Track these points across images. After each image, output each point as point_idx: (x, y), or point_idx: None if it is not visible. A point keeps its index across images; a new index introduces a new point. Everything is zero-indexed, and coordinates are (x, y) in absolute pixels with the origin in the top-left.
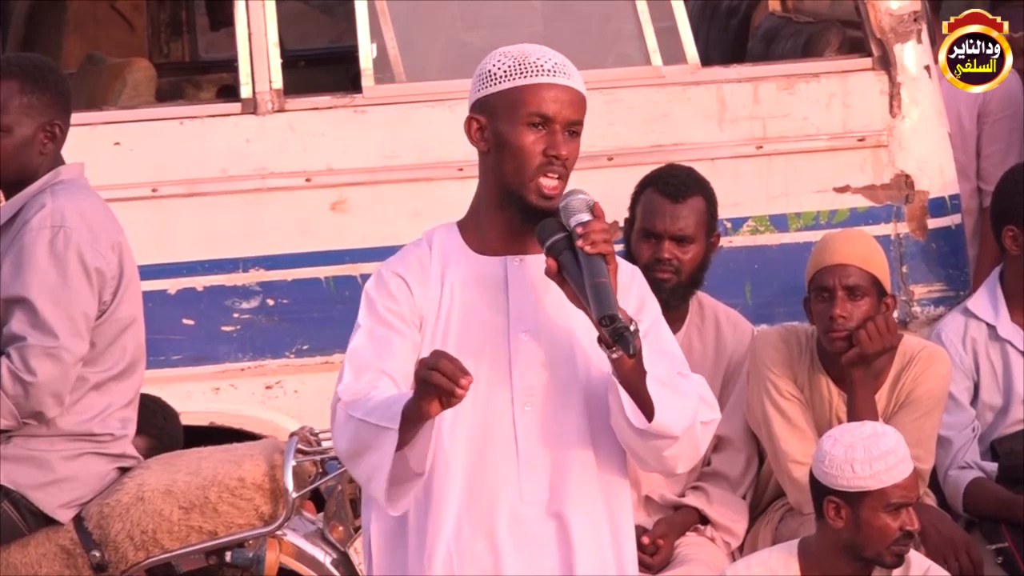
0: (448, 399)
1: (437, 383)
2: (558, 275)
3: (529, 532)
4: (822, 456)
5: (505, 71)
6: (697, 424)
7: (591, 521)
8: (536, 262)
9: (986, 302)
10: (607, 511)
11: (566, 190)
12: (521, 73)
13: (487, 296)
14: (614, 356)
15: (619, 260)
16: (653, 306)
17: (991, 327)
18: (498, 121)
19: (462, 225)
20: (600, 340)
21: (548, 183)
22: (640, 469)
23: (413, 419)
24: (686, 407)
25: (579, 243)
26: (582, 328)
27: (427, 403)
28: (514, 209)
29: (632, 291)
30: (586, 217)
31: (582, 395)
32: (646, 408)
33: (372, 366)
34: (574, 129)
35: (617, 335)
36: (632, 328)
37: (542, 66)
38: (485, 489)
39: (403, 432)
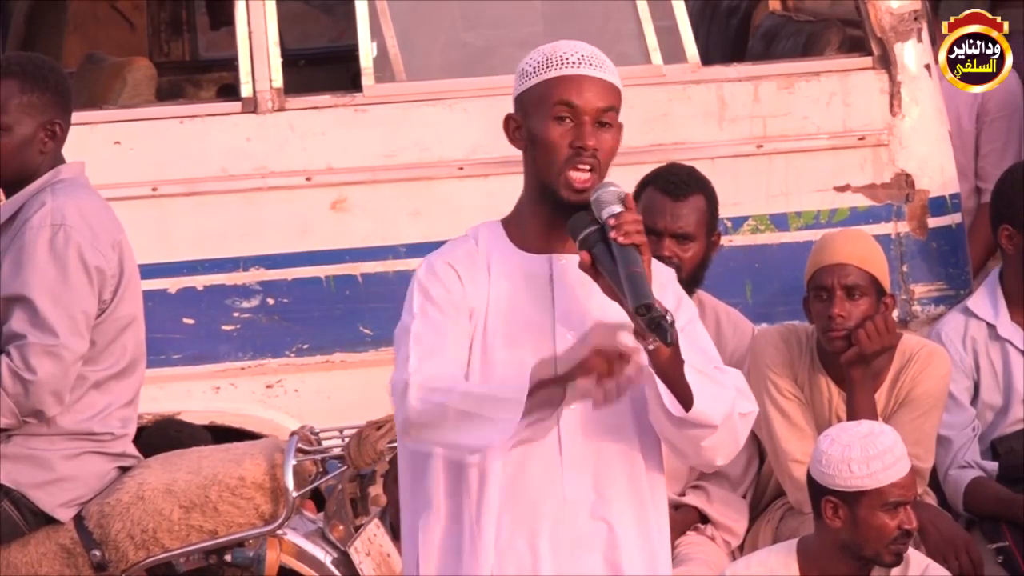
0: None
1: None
2: (592, 268)
3: (572, 532)
4: (819, 456)
5: (535, 67)
6: (736, 415)
7: (636, 521)
8: (572, 263)
9: (986, 301)
10: (650, 510)
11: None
12: (548, 68)
13: (532, 294)
14: (650, 347)
15: (655, 261)
16: (689, 306)
17: (991, 326)
18: (529, 117)
19: (506, 222)
20: (636, 332)
21: (578, 176)
22: (680, 464)
23: (547, 391)
24: (724, 396)
25: (612, 234)
26: (626, 327)
27: (582, 374)
28: (549, 204)
29: (669, 290)
30: (618, 208)
31: (626, 394)
32: (684, 399)
33: (439, 352)
34: (605, 120)
35: (654, 324)
36: (669, 318)
37: (567, 59)
38: (528, 488)
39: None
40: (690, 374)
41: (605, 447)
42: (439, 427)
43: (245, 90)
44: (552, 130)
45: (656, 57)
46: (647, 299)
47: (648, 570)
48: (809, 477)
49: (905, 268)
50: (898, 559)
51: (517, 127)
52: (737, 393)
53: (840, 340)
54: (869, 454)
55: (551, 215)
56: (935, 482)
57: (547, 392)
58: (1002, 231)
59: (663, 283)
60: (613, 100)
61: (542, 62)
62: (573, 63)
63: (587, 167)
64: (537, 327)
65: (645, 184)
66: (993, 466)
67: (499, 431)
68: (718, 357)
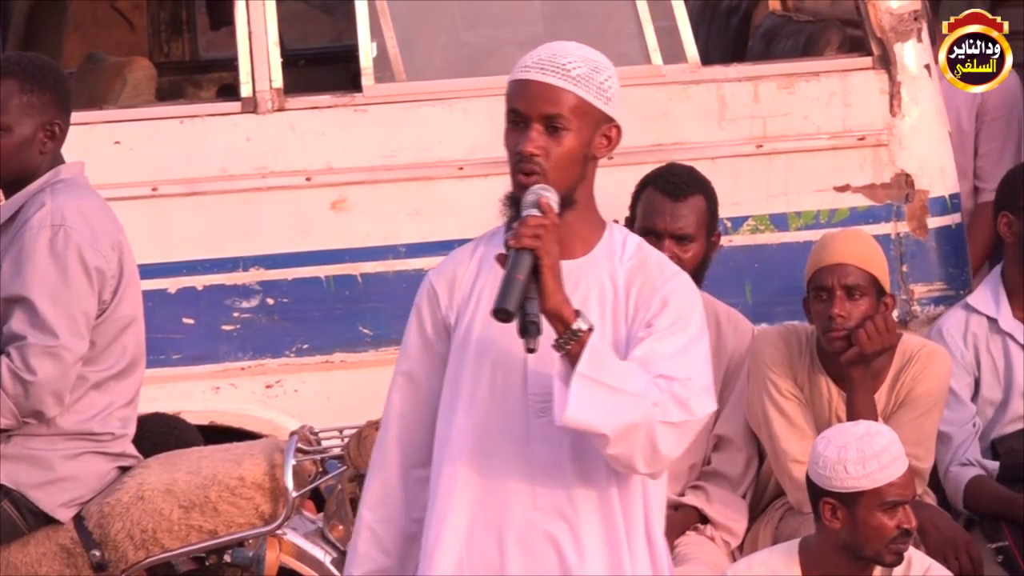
0: None
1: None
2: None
3: (540, 538)
4: (816, 458)
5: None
6: (655, 424)
7: (605, 526)
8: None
9: (987, 296)
10: (620, 515)
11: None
12: (512, 73)
13: None
14: (528, 349)
15: (660, 257)
16: (679, 311)
17: (992, 320)
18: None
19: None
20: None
21: (523, 181)
22: (680, 464)
23: None
24: (624, 406)
25: (506, 236)
26: (605, 336)
27: None
28: (515, 209)
29: (660, 293)
30: (530, 212)
31: None
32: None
33: (394, 451)
34: (554, 124)
35: (521, 329)
36: (539, 324)
37: (524, 63)
38: (497, 496)
39: None
40: (579, 383)
41: (575, 454)
42: None
43: (245, 90)
44: (506, 135)
45: (656, 57)
46: (502, 304)
47: (613, 570)
48: (808, 479)
49: (905, 268)
50: (899, 558)
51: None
52: (672, 402)
53: (840, 340)
54: (865, 455)
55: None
56: (935, 482)
57: None
58: (1001, 219)
59: (653, 286)
60: (562, 106)
61: (515, 67)
62: (526, 68)
63: (528, 172)
64: (510, 337)
65: (645, 184)
66: (994, 465)
67: None
68: (691, 365)
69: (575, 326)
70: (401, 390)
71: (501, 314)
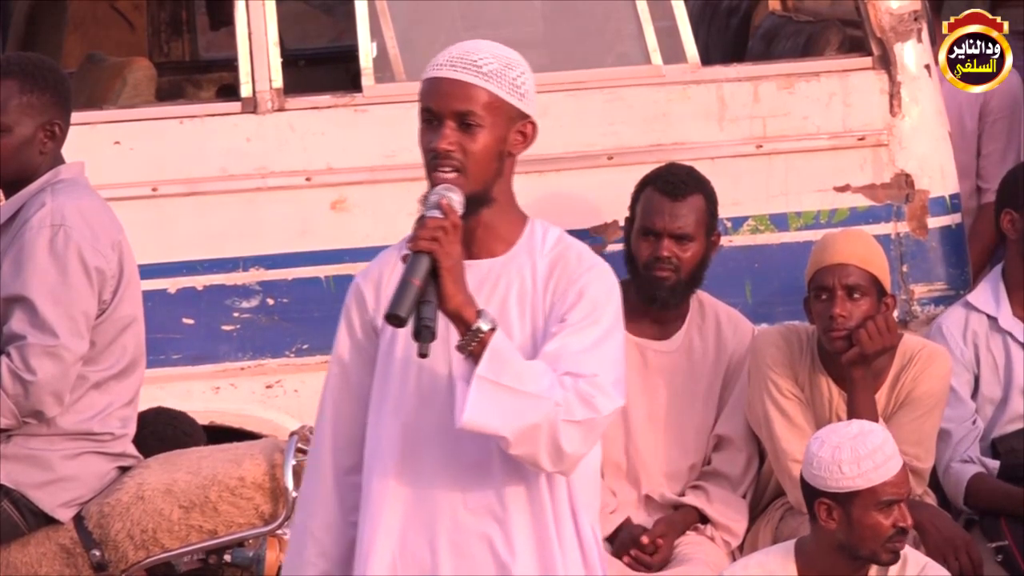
0: None
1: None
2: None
3: (471, 538)
4: (810, 458)
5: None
6: (557, 424)
7: (535, 523)
8: (481, 266)
9: (988, 295)
10: (551, 511)
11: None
12: (425, 72)
13: None
14: (420, 354)
15: (581, 249)
16: (594, 303)
17: (992, 319)
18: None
19: None
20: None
21: (441, 179)
22: (680, 464)
23: None
24: (524, 408)
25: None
26: (524, 332)
27: None
28: None
29: (576, 285)
30: (430, 214)
31: None
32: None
33: (317, 476)
34: (467, 121)
35: (414, 333)
36: (476, 326)
37: (436, 62)
38: (428, 496)
39: None
40: (478, 386)
41: (501, 452)
42: None
43: (245, 90)
44: (421, 134)
45: (656, 57)
46: (394, 310)
47: (543, 570)
48: (802, 479)
49: (905, 268)
50: (895, 557)
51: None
52: (576, 400)
53: (841, 340)
54: (859, 454)
55: None
56: (935, 482)
57: None
58: (1004, 216)
59: (569, 277)
60: (475, 103)
61: (428, 66)
62: (438, 66)
63: (447, 169)
64: (438, 338)
65: (644, 184)
66: (994, 464)
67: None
68: (602, 359)
69: (476, 326)
70: (334, 390)
71: (393, 319)
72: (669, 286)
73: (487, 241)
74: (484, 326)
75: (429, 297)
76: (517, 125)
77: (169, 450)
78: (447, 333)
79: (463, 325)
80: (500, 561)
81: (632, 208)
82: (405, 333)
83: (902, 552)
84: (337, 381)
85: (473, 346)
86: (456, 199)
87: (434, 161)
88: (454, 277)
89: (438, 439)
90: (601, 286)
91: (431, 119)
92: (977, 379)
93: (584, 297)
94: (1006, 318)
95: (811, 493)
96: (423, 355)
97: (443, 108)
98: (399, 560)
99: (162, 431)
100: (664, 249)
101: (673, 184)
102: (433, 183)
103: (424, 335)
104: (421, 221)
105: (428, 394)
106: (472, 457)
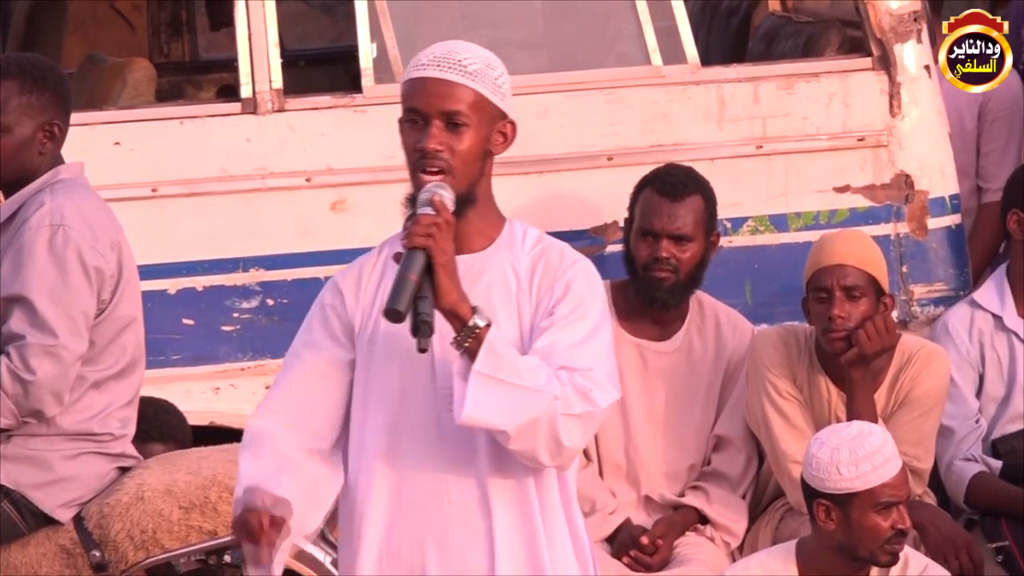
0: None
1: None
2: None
3: (458, 534)
4: (809, 459)
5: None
6: (556, 418)
7: (519, 520)
8: (462, 261)
9: (993, 293)
10: (537, 508)
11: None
12: (407, 72)
13: None
14: (420, 349)
15: (562, 246)
16: (580, 297)
17: (997, 318)
18: (400, 124)
19: None
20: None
21: (426, 179)
22: (680, 464)
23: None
24: (524, 402)
25: (401, 237)
26: (510, 327)
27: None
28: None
29: (563, 279)
30: (422, 210)
31: None
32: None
33: (276, 406)
34: (455, 121)
35: (413, 329)
36: (472, 322)
37: (419, 61)
38: (413, 493)
39: None
40: (476, 381)
41: (488, 448)
42: None
43: (245, 91)
44: (404, 134)
45: (656, 58)
46: (393, 305)
47: (529, 569)
48: (802, 480)
49: (905, 269)
50: (894, 559)
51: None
52: (574, 394)
53: (840, 341)
54: (858, 456)
55: None
56: (935, 482)
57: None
58: (1011, 216)
59: (554, 272)
60: (461, 103)
61: (408, 66)
62: (422, 66)
63: (434, 169)
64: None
65: (643, 185)
66: (996, 463)
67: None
68: (593, 353)
69: (472, 322)
70: (296, 374)
71: (392, 314)
72: (668, 287)
73: (468, 238)
74: (480, 322)
75: (425, 293)
76: (498, 125)
77: (147, 431)
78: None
79: (458, 321)
80: (485, 559)
81: (631, 209)
82: (383, 332)
83: (903, 553)
84: (301, 367)
85: (469, 342)
86: (448, 196)
87: (421, 161)
88: (448, 273)
89: (422, 434)
90: (586, 281)
91: (416, 119)
92: (982, 377)
93: (571, 291)
94: (1011, 317)
95: (810, 494)
96: (423, 350)
97: (430, 108)
98: (386, 558)
99: (145, 421)
100: (663, 250)
101: (671, 185)
102: (418, 184)
103: (423, 330)
104: (413, 218)
105: (410, 390)
106: (456, 452)
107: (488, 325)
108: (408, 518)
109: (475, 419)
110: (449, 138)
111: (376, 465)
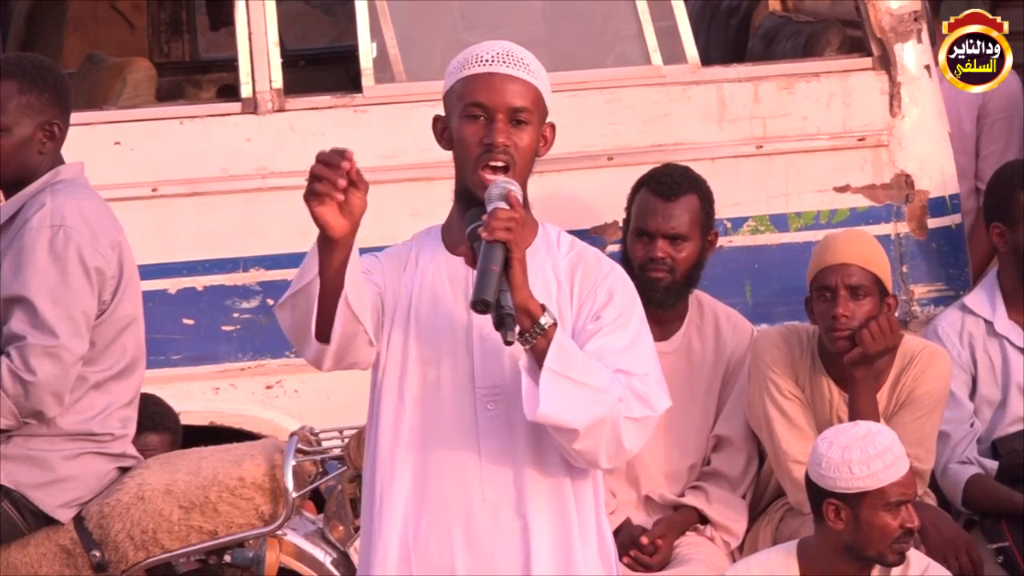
0: (335, 196)
1: (318, 173)
2: (474, 262)
3: (489, 533)
4: (818, 459)
5: (455, 67)
6: (620, 419)
7: (556, 520)
8: None
9: (984, 299)
10: (571, 510)
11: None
12: (464, 67)
13: (454, 295)
14: (506, 342)
15: (596, 251)
16: (623, 303)
17: (988, 323)
18: (451, 118)
19: (444, 226)
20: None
21: (488, 175)
22: (679, 464)
23: (323, 250)
24: (597, 401)
25: (480, 230)
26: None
27: (316, 207)
28: (467, 204)
29: (605, 284)
30: (498, 205)
31: None
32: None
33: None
34: (519, 118)
35: (497, 321)
36: (543, 320)
37: (482, 57)
38: (443, 489)
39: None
40: (548, 378)
41: (525, 447)
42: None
43: (245, 90)
44: (465, 129)
45: (656, 58)
46: (482, 295)
47: (564, 569)
48: (808, 480)
49: (905, 269)
50: (901, 558)
51: (444, 128)
52: (633, 397)
53: (844, 340)
54: (869, 455)
55: None
56: (935, 482)
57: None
58: (993, 229)
59: (595, 277)
60: (527, 99)
61: (461, 62)
62: (486, 61)
63: (499, 163)
64: (457, 329)
65: (639, 185)
66: (992, 464)
67: (304, 298)
68: (642, 357)
69: (542, 320)
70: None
71: (480, 305)
72: (664, 287)
73: None
74: (549, 320)
75: (504, 287)
76: (544, 127)
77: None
78: (469, 328)
79: (529, 318)
80: (522, 557)
81: (628, 209)
82: (423, 328)
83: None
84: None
85: (536, 339)
86: (519, 192)
87: (486, 155)
88: (524, 268)
89: (459, 432)
90: (626, 288)
91: (479, 114)
92: (974, 380)
93: (614, 297)
94: (1002, 323)
95: (818, 494)
96: (509, 343)
97: (498, 103)
98: (414, 555)
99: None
100: (658, 250)
101: (666, 185)
102: (479, 178)
103: (508, 323)
104: (490, 212)
105: (449, 388)
106: (493, 451)
107: (555, 323)
108: (433, 513)
109: (549, 416)
110: (513, 133)
111: (410, 462)
